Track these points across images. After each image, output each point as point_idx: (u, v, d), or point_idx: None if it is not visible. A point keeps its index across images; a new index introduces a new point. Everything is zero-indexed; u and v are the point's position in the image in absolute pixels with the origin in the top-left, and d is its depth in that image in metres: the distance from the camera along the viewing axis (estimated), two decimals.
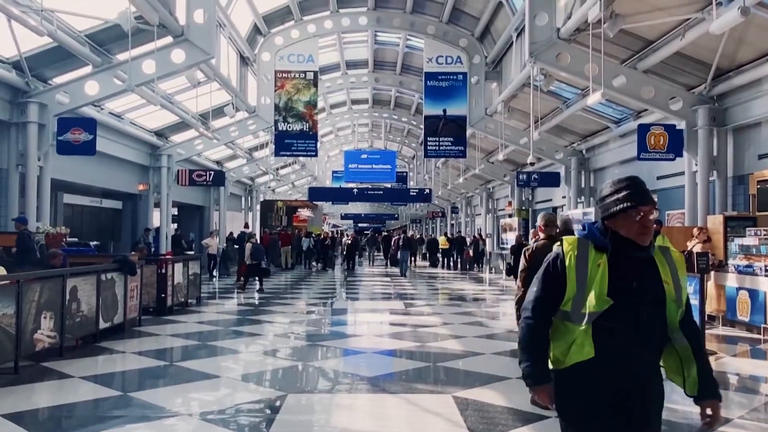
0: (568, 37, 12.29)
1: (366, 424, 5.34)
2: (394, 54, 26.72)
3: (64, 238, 12.16)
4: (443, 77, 21.28)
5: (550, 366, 2.50)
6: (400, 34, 23.62)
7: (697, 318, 8.41)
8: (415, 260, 30.96)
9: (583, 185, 20.03)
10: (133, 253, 12.07)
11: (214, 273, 21.89)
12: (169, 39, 13.01)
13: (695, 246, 10.45)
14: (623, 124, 17.05)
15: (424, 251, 35.57)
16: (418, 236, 43.57)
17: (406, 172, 46.60)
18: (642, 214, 2.42)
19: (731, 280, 10.00)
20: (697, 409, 2.49)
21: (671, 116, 13.04)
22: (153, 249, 17.91)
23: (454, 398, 5.87)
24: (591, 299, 2.37)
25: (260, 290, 16.53)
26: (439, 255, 30.06)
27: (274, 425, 5.10)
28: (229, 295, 16.21)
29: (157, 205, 20.71)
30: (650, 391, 2.48)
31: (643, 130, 13.35)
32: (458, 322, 11.09)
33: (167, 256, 13.94)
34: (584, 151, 20.20)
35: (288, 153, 22.92)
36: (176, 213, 26.46)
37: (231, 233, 24.91)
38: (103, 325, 8.87)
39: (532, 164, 17.94)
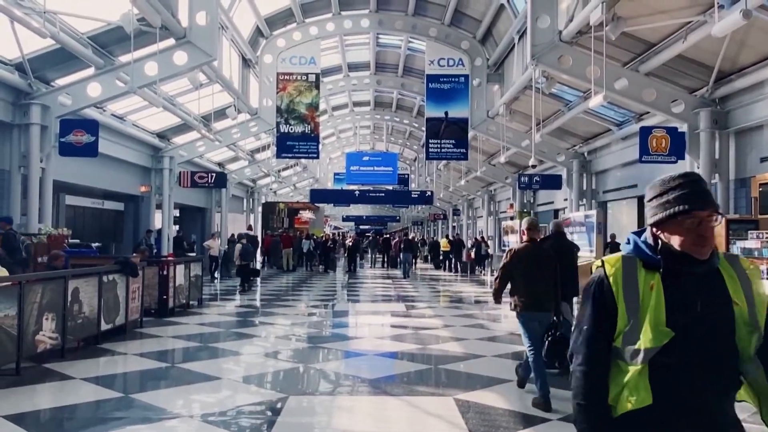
0: (570, 40, 12.29)
1: (367, 427, 5.34)
2: (396, 56, 26.74)
3: (65, 240, 12.17)
4: (445, 79, 21.29)
5: None
6: (402, 36, 23.64)
7: None
8: (415, 262, 30.97)
9: (584, 188, 20.01)
10: (134, 254, 12.08)
11: (216, 275, 21.90)
12: (171, 41, 13.04)
13: None
14: (625, 127, 17.04)
15: (425, 254, 35.59)
16: (420, 238, 43.59)
17: (408, 175, 46.61)
18: (699, 221, 1.94)
19: None
20: None
21: (673, 119, 13.03)
22: (155, 251, 17.94)
23: (456, 400, 5.86)
24: (646, 332, 1.87)
25: (242, 291, 16.64)
26: (441, 257, 30.07)
27: (275, 427, 5.10)
28: (231, 296, 16.21)
29: (159, 206, 20.73)
30: None
31: (644, 132, 13.34)
32: (459, 324, 11.08)
33: (169, 258, 13.95)
34: (586, 154, 20.18)
35: (290, 155, 22.95)
36: (178, 215, 26.50)
37: (232, 235, 24.92)
38: (104, 326, 8.87)
39: (533, 167, 17.95)
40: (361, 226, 64.09)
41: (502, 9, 18.08)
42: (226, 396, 6.35)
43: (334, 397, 6.27)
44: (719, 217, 1.99)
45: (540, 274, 5.99)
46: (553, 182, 21.65)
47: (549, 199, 24.82)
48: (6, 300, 6.55)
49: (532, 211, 26.63)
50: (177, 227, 25.00)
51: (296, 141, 21.64)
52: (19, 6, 10.52)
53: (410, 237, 35.39)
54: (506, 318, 12.11)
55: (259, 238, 28.96)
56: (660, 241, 1.97)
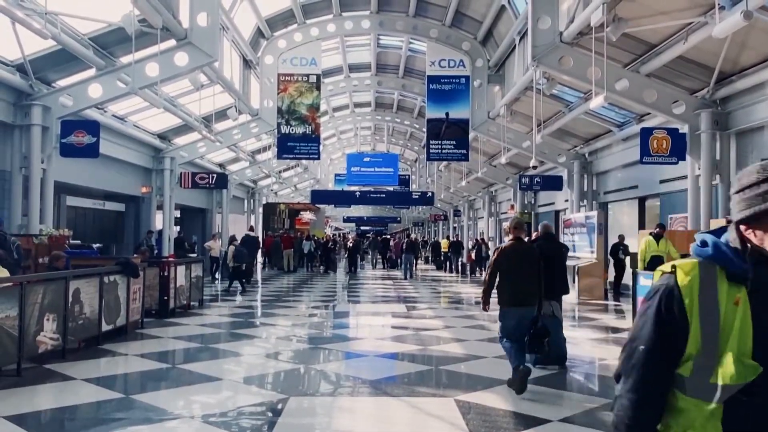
0: (571, 41, 12.30)
1: (368, 428, 5.34)
2: (397, 57, 26.75)
3: (67, 241, 12.18)
4: (446, 80, 21.30)
5: None
6: (403, 37, 23.65)
7: None
8: (416, 263, 30.99)
9: (585, 189, 20.00)
10: (135, 255, 12.09)
11: (217, 276, 21.90)
12: (172, 42, 13.05)
13: None
14: (626, 128, 17.03)
15: (426, 254, 35.55)
16: (421, 239, 43.58)
17: (409, 175, 46.61)
18: None
19: None
20: None
21: (674, 120, 13.03)
22: (155, 251, 17.95)
23: (456, 401, 5.86)
24: (727, 364, 1.44)
25: (239, 291, 16.72)
26: (442, 258, 30.09)
27: (276, 428, 5.10)
28: (232, 297, 16.21)
29: (160, 207, 20.74)
30: None
31: (645, 133, 13.34)
32: (460, 325, 11.08)
33: (170, 259, 13.96)
34: (587, 155, 20.18)
35: (290, 156, 22.96)
36: (179, 215, 26.49)
37: (233, 236, 24.92)
38: (105, 327, 8.88)
39: (534, 167, 17.97)
40: (362, 227, 64.10)
41: (503, 10, 18.08)
42: (226, 397, 6.36)
43: (334, 398, 6.27)
44: None
45: (524, 271, 6.27)
46: (553, 183, 21.64)
47: (550, 200, 24.81)
48: (7, 301, 6.55)
49: (533, 212, 26.64)
50: (178, 228, 25.00)
51: (297, 142, 21.66)
52: (20, 7, 10.53)
53: (412, 238, 35.42)
54: None
55: (260, 239, 28.97)
56: (750, 245, 1.52)
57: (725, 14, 9.49)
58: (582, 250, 16.57)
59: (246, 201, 33.27)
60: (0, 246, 9.68)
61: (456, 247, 28.48)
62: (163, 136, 20.63)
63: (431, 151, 21.80)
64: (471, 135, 21.78)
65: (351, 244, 29.48)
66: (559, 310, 7.68)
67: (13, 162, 12.58)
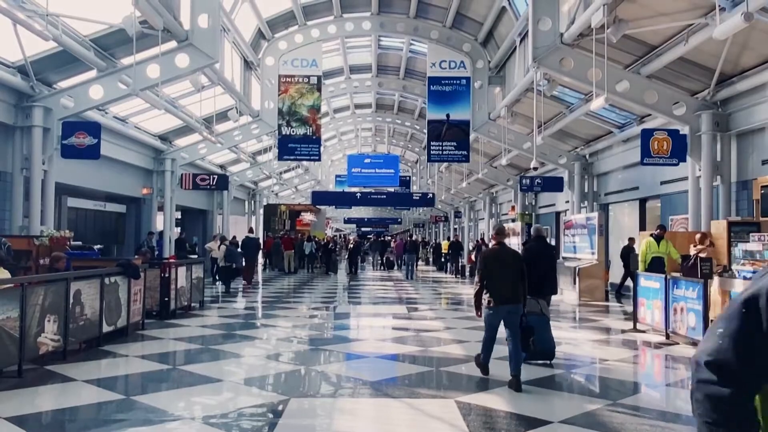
0: (572, 42, 12.30)
1: (368, 429, 5.34)
2: (398, 58, 26.77)
3: (67, 242, 12.18)
4: (446, 82, 21.31)
5: None
6: (404, 38, 23.67)
7: (700, 324, 8.40)
8: (417, 264, 31.01)
9: (586, 190, 20.01)
10: (136, 256, 12.10)
11: (217, 277, 21.89)
12: (173, 43, 13.06)
13: (701, 252, 10.42)
14: (627, 129, 17.04)
15: (427, 255, 35.51)
16: (421, 240, 43.56)
17: (409, 177, 46.63)
18: None
19: (735, 286, 9.96)
20: None
21: (675, 121, 13.03)
22: (156, 253, 17.96)
23: (457, 403, 5.86)
24: None
25: (227, 291, 16.79)
26: (443, 259, 30.08)
27: (276, 429, 5.10)
28: (233, 298, 16.22)
29: (161, 208, 20.75)
30: None
31: (646, 135, 13.34)
32: (461, 326, 11.08)
33: (170, 260, 13.96)
34: (587, 156, 20.18)
35: (291, 157, 22.97)
36: (180, 217, 26.51)
37: (234, 237, 24.93)
38: (106, 328, 8.88)
39: (535, 169, 17.95)
40: (363, 228, 64.11)
41: (503, 11, 18.10)
42: (227, 398, 6.36)
43: (335, 400, 6.27)
44: None
45: (506, 272, 6.75)
46: (554, 184, 21.65)
47: (551, 202, 24.82)
48: (8, 302, 6.56)
49: (534, 214, 26.65)
50: (179, 229, 25.01)
51: (298, 143, 21.67)
52: (21, 9, 10.54)
53: (414, 239, 35.43)
54: None
55: (261, 240, 28.98)
56: None
57: (726, 16, 9.50)
58: (583, 252, 16.57)
59: (247, 202, 33.29)
60: None
61: (455, 248, 28.46)
62: (164, 138, 20.64)
63: (432, 152, 21.81)
64: (472, 136, 21.80)
65: (352, 245, 29.49)
66: (547, 308, 8.09)
67: (14, 163, 12.59)
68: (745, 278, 9.84)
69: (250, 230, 24.56)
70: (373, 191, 35.79)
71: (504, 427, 5.20)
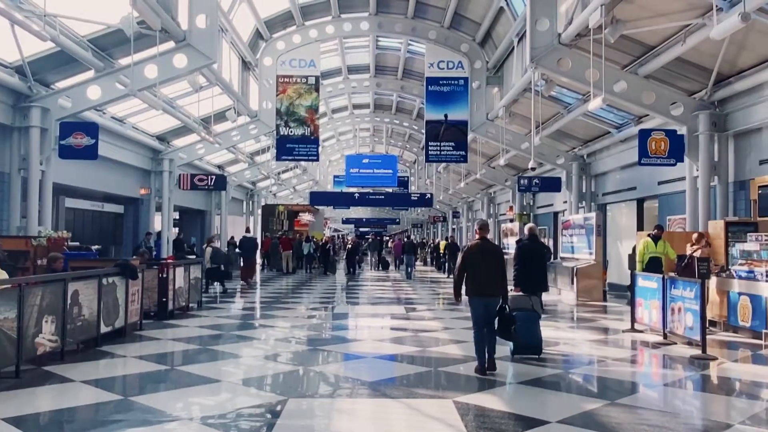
0: (569, 43, 12.32)
1: (366, 429, 5.34)
2: (396, 59, 26.78)
3: (65, 243, 12.17)
4: (444, 82, 21.33)
5: None
6: (402, 39, 23.68)
7: (697, 324, 8.41)
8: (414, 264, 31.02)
9: (584, 190, 20.04)
10: (134, 257, 12.09)
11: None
12: (171, 44, 13.06)
13: (696, 251, 10.44)
14: (624, 129, 17.06)
15: (425, 256, 35.50)
16: (419, 240, 43.56)
17: (408, 177, 46.62)
18: None
19: (732, 286, 9.99)
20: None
21: (672, 121, 13.06)
22: (154, 253, 17.94)
23: (455, 403, 5.87)
24: None
25: (205, 291, 16.74)
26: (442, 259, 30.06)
27: (274, 430, 5.10)
28: (231, 299, 16.21)
29: (159, 209, 20.74)
30: None
31: (644, 135, 13.37)
32: (459, 326, 11.08)
33: (168, 261, 13.95)
34: (585, 156, 20.21)
35: (289, 157, 22.98)
36: (178, 217, 26.51)
37: (232, 237, 24.96)
38: (104, 329, 8.87)
39: (533, 169, 17.99)
40: (361, 229, 64.10)
41: (501, 12, 18.11)
42: (225, 399, 6.36)
43: (333, 400, 6.27)
44: None
45: (487, 266, 7.17)
46: (552, 185, 21.68)
47: (549, 202, 24.85)
48: (6, 302, 6.55)
49: (531, 214, 26.67)
50: (177, 230, 24.99)
51: (296, 143, 21.67)
52: (19, 9, 10.54)
53: (411, 239, 35.44)
54: None
55: (258, 241, 28.97)
56: None
57: (723, 16, 9.52)
58: (580, 252, 16.58)
59: (245, 202, 33.27)
60: None
61: (452, 248, 28.47)
62: (161, 138, 20.63)
63: (430, 152, 21.83)
64: (470, 136, 21.82)
65: (350, 246, 29.48)
66: (539, 304, 8.45)
67: (12, 164, 12.59)
68: (740, 278, 9.87)
69: (247, 230, 24.55)
70: (371, 191, 35.79)
71: (502, 427, 5.21)
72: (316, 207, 36.20)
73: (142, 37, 12.38)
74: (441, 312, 13.82)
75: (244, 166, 28.23)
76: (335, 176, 45.32)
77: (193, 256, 20.71)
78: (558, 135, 20.36)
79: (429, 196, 33.17)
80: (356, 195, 32.67)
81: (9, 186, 12.55)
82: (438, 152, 21.70)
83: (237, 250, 22.62)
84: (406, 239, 30.56)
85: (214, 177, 22.10)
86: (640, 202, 17.44)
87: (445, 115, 21.31)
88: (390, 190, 37.30)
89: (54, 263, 8.96)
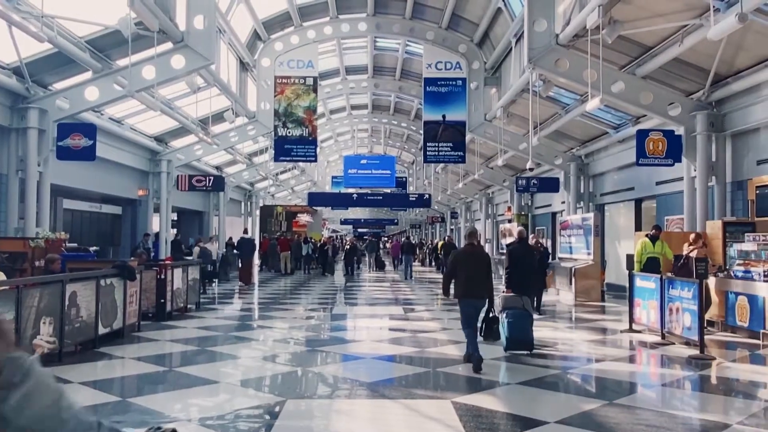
0: (567, 43, 12.33)
1: (365, 430, 5.35)
2: (394, 59, 26.78)
3: (63, 244, 12.15)
4: (442, 83, 21.33)
5: None
6: (400, 39, 23.69)
7: (695, 324, 8.42)
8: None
9: (582, 190, 20.06)
10: (132, 258, 12.07)
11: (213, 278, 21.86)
12: (169, 45, 13.06)
13: (692, 251, 10.45)
14: (622, 130, 17.08)
15: (422, 257, 35.51)
16: (417, 241, 43.56)
17: (406, 178, 46.63)
18: None
19: (730, 286, 10.01)
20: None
21: (670, 122, 13.07)
22: (152, 254, 17.92)
23: (453, 403, 5.87)
24: None
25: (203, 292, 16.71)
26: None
27: (273, 431, 5.10)
28: (229, 300, 16.20)
29: (157, 210, 20.71)
30: None
31: (641, 135, 13.39)
32: (457, 327, 11.07)
33: (167, 262, 13.94)
34: (583, 157, 20.23)
35: (287, 158, 22.97)
36: (176, 218, 26.48)
37: (230, 238, 24.93)
38: (102, 330, 8.86)
39: (531, 169, 17.98)
40: (360, 229, 64.11)
41: (499, 12, 18.13)
42: (224, 400, 6.35)
43: (332, 401, 6.27)
44: None
45: (475, 270, 7.61)
46: (550, 185, 21.70)
47: (547, 202, 24.86)
48: (4, 304, 6.54)
49: (530, 214, 26.68)
50: (175, 231, 24.97)
51: (294, 144, 21.65)
52: (17, 10, 10.53)
53: (411, 240, 35.49)
54: None
55: (257, 242, 28.95)
56: None
57: (720, 16, 9.54)
58: (579, 252, 16.59)
59: (243, 203, 33.25)
60: None
61: (448, 248, 28.47)
62: (159, 139, 20.62)
63: (428, 153, 21.82)
64: (468, 137, 21.82)
65: (348, 246, 29.48)
66: (530, 304, 8.89)
67: (10, 165, 12.57)
68: (736, 277, 9.89)
69: (245, 231, 24.53)
70: (369, 192, 35.77)
71: (500, 428, 5.21)
72: (315, 208, 36.19)
73: (140, 38, 12.37)
74: (439, 312, 13.82)
75: (243, 167, 28.22)
76: (333, 177, 45.31)
77: (191, 257, 20.70)
78: (556, 135, 20.38)
79: (427, 196, 33.18)
80: (354, 196, 32.68)
81: (7, 187, 12.53)
82: (436, 153, 21.71)
83: (235, 251, 22.59)
84: (405, 240, 30.56)
85: (212, 178, 22.09)
86: (638, 202, 17.45)
87: (443, 116, 21.31)
88: (388, 190, 37.27)
89: (52, 264, 8.94)
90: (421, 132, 24.10)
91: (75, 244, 16.53)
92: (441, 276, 27.16)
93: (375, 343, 9.79)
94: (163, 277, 11.65)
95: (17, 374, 0.88)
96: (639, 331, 10.30)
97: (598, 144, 18.83)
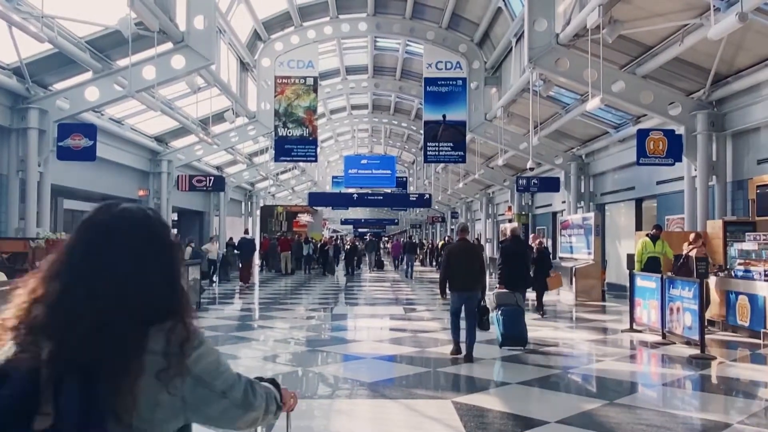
0: (567, 43, 12.33)
1: (366, 430, 5.35)
2: (394, 59, 26.77)
3: None
4: (443, 82, 21.31)
5: None
6: (400, 39, 23.68)
7: (696, 324, 8.42)
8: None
9: (582, 190, 20.05)
10: None
11: (214, 278, 21.87)
12: (169, 45, 13.06)
13: (691, 251, 10.45)
14: (622, 129, 17.08)
15: (423, 256, 35.53)
16: (418, 241, 43.58)
17: (406, 177, 46.61)
18: None
19: (731, 285, 10.00)
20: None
21: (670, 121, 13.07)
22: None
23: (454, 403, 5.87)
24: None
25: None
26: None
27: (273, 431, 5.09)
28: (229, 300, 16.21)
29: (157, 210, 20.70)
30: None
31: (642, 135, 13.38)
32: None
33: None
34: (584, 156, 20.22)
35: (288, 158, 22.96)
36: (176, 218, 26.48)
37: (231, 238, 24.94)
38: None
39: (531, 169, 17.98)
40: (360, 229, 64.11)
41: (499, 12, 18.12)
42: None
43: (332, 401, 6.27)
44: None
45: (467, 264, 8.01)
46: (551, 185, 21.68)
47: (547, 202, 24.86)
48: (4, 304, 6.53)
49: (530, 214, 26.69)
50: (175, 231, 24.96)
51: (294, 144, 21.65)
52: (17, 11, 10.53)
53: (412, 240, 35.49)
54: None
55: (257, 242, 28.96)
56: None
57: (720, 16, 9.53)
58: (579, 252, 16.59)
59: (243, 204, 33.25)
60: None
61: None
62: (160, 139, 20.62)
63: (428, 153, 21.81)
64: (468, 137, 21.81)
65: (348, 246, 29.48)
66: (522, 300, 9.19)
67: (10, 165, 12.57)
68: (737, 277, 9.88)
69: (246, 231, 24.53)
70: (370, 192, 35.76)
71: (500, 428, 5.21)
72: (315, 208, 36.18)
73: (140, 39, 12.37)
74: (439, 312, 13.81)
75: (243, 167, 28.22)
76: (334, 177, 45.28)
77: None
78: (556, 135, 20.37)
79: (427, 196, 33.16)
80: (355, 196, 32.66)
81: (7, 188, 12.53)
82: (436, 153, 21.69)
83: (235, 251, 22.61)
84: (406, 239, 30.58)
85: (212, 178, 22.10)
86: (639, 201, 17.45)
87: (444, 116, 21.30)
88: (388, 190, 37.26)
89: None
90: (422, 132, 24.09)
91: None
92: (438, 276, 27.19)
93: (375, 343, 9.79)
94: None
95: (198, 340, 1.35)
96: (640, 331, 10.29)
97: (599, 143, 18.83)
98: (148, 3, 11.06)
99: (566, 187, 20.49)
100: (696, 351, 8.30)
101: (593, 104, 11.96)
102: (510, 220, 26.95)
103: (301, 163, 32.60)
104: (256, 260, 26.24)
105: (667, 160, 13.22)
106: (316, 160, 25.69)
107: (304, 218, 34.48)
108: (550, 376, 7.25)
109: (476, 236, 34.07)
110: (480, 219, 36.28)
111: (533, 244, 13.67)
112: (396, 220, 63.98)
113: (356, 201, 32.94)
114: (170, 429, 1.30)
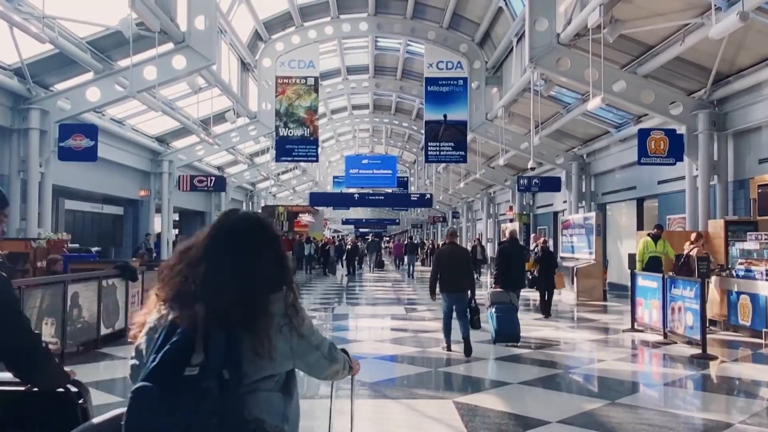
0: (568, 43, 12.32)
1: (367, 430, 5.34)
2: (395, 59, 26.77)
3: (65, 244, 12.17)
4: (444, 82, 21.32)
5: None
6: (401, 39, 23.68)
7: (697, 323, 8.41)
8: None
9: (583, 190, 20.04)
10: (134, 258, 12.08)
11: None
12: (170, 45, 13.06)
13: (692, 250, 10.44)
14: (624, 129, 17.06)
15: (423, 256, 35.53)
16: (419, 241, 43.58)
17: (407, 177, 46.62)
18: None
19: (732, 285, 9.99)
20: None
21: (671, 121, 13.06)
22: (154, 255, 17.94)
23: (455, 403, 5.86)
24: None
25: None
26: None
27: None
28: None
29: (159, 210, 20.73)
30: None
31: (643, 134, 13.37)
32: (458, 327, 11.07)
33: None
34: (585, 156, 20.21)
35: (289, 158, 22.99)
36: (177, 219, 26.51)
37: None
38: (104, 331, 8.86)
39: (532, 169, 17.98)
40: (361, 229, 64.13)
41: (500, 12, 18.12)
42: None
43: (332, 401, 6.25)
44: None
45: (457, 266, 8.38)
46: (552, 184, 21.68)
47: (548, 202, 24.85)
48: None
49: (531, 213, 26.67)
50: (176, 231, 24.99)
51: (295, 144, 21.66)
52: (18, 11, 10.54)
53: (414, 240, 35.48)
54: None
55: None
56: None
57: (722, 15, 9.52)
58: (580, 252, 16.58)
59: (244, 204, 33.26)
60: None
61: None
62: (161, 140, 20.63)
63: (429, 152, 21.82)
64: (469, 137, 21.81)
65: (349, 246, 29.49)
66: (516, 299, 9.53)
67: (11, 166, 12.58)
68: (738, 276, 9.87)
69: None
70: (371, 192, 35.77)
71: (502, 428, 5.20)
72: (316, 208, 36.20)
73: (141, 39, 12.38)
74: (440, 312, 13.78)
75: (244, 167, 28.23)
76: (335, 177, 45.30)
77: None
78: (557, 135, 20.36)
79: (428, 196, 33.17)
80: (356, 196, 32.67)
81: (8, 188, 12.53)
82: (437, 152, 21.70)
83: None
84: (408, 240, 30.59)
85: (213, 178, 22.11)
86: (640, 201, 17.43)
87: (445, 116, 21.29)
88: (389, 190, 37.28)
89: (54, 265, 8.96)
90: (423, 132, 24.11)
91: (77, 245, 16.54)
92: None
93: (377, 342, 9.79)
94: None
95: (302, 310, 1.91)
96: (641, 331, 10.28)
97: (600, 143, 18.81)
98: (149, 3, 11.07)
99: (567, 186, 20.48)
100: (697, 351, 8.29)
101: (594, 104, 11.95)
102: (511, 220, 26.94)
103: (302, 163, 32.62)
104: None
105: (668, 159, 13.21)
106: (317, 160, 25.70)
107: (305, 218, 34.50)
108: (551, 376, 7.24)
109: (477, 236, 34.09)
110: (481, 219, 36.27)
111: (537, 244, 13.63)
112: (397, 220, 63.99)
113: (357, 201, 32.96)
114: (284, 369, 1.87)
